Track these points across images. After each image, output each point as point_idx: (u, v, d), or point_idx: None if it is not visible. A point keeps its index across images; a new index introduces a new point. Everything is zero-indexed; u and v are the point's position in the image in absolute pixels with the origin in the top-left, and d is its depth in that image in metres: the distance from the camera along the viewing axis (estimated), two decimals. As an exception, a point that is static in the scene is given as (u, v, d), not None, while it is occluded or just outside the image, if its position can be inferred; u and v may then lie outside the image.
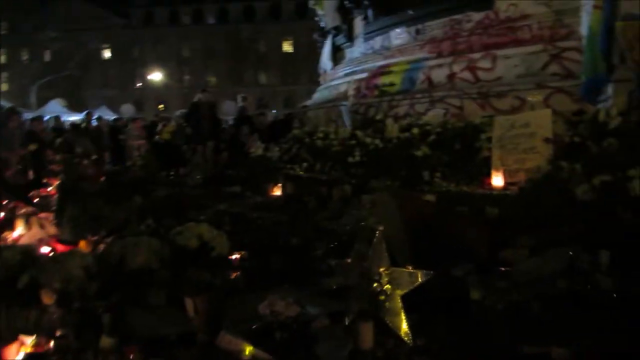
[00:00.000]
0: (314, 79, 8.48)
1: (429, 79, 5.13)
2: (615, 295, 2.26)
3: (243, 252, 3.18)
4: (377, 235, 2.29)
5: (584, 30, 3.81)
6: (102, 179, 5.67)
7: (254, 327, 2.30)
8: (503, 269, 2.63)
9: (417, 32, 5.57)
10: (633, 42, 3.51)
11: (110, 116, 15.98)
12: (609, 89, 3.62)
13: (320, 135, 5.49)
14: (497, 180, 3.75)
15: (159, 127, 9.72)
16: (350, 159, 4.64)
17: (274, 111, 19.86)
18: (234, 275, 2.95)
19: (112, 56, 42.43)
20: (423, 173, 4.04)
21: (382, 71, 5.76)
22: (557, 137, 3.64)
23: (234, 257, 3.10)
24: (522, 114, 4.02)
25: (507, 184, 3.69)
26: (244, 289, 2.81)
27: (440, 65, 5.08)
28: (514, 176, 3.73)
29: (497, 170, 3.80)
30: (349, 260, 2.38)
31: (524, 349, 2.10)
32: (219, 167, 7.12)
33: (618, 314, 2.13)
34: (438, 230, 2.78)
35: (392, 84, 5.47)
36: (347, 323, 2.23)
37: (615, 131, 3.35)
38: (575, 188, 3.08)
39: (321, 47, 8.00)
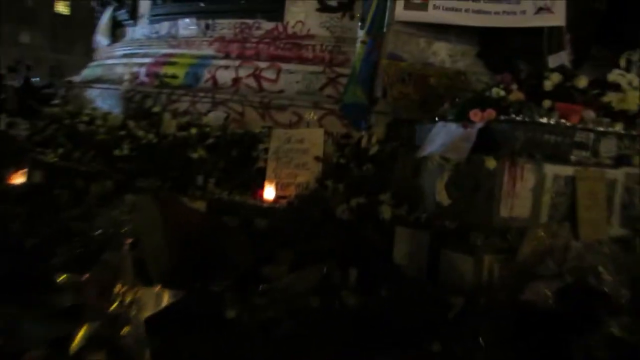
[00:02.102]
0: (91, 52, 7.56)
1: (214, 79, 5.07)
2: (358, 311, 2.45)
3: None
4: (126, 245, 2.02)
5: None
6: None
7: None
8: (264, 284, 2.65)
9: (207, 27, 5.44)
10: (393, 80, 4.01)
11: None
12: (373, 118, 3.96)
13: (85, 118, 5.04)
14: (269, 192, 3.83)
15: None
16: (117, 152, 4.31)
17: (36, 78, 16.99)
18: None
19: None
20: (197, 177, 3.96)
21: (166, 60, 5.49)
22: (327, 157, 3.89)
23: None
24: (298, 130, 4.22)
25: (278, 197, 3.79)
26: None
27: (226, 67, 5.05)
28: (286, 190, 3.85)
29: (270, 182, 3.89)
30: (87, 275, 2.14)
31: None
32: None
33: (360, 330, 2.29)
34: (203, 241, 2.68)
35: (174, 76, 5.26)
36: (71, 353, 1.94)
37: (372, 158, 3.73)
38: (336, 207, 3.38)
39: (99, 18, 7.15)
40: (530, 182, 2.90)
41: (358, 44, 4.14)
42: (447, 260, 2.83)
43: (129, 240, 2.24)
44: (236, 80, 4.97)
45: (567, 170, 2.98)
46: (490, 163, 2.86)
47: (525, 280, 2.62)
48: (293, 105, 4.56)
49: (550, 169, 2.94)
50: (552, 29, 3.95)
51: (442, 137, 3.13)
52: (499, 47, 4.09)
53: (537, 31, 3.94)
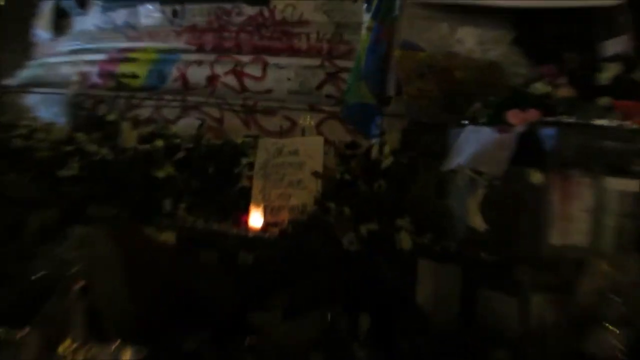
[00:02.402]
0: (30, 48, 7.63)
1: (184, 78, 5.12)
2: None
3: None
4: (74, 291, 2.11)
5: (362, 50, 4.23)
6: None
7: None
8: (251, 337, 2.68)
9: (175, 14, 5.49)
10: (409, 74, 4.01)
11: None
12: (384, 123, 3.98)
13: (23, 131, 4.97)
14: (256, 218, 3.78)
15: None
16: (62, 172, 4.28)
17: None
18: None
19: None
20: (164, 201, 3.92)
21: (124, 57, 5.54)
22: (328, 172, 3.86)
23: None
24: (292, 139, 4.21)
25: (267, 224, 3.76)
26: None
27: (200, 63, 5.10)
28: (277, 215, 3.80)
29: (257, 205, 3.84)
30: (27, 329, 2.17)
31: None
32: None
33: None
34: (173, 283, 2.74)
35: (134, 76, 5.31)
36: None
37: (385, 172, 3.69)
38: (341, 235, 3.36)
39: (40, 7, 7.22)
40: (587, 201, 2.89)
41: (363, 31, 4.17)
42: (485, 301, 2.84)
43: (79, 285, 2.21)
44: (212, 79, 5.00)
45: (634, 185, 2.94)
46: (535, 177, 2.86)
47: (585, 327, 2.63)
48: (284, 109, 4.61)
49: (613, 184, 2.91)
50: (608, 8, 3.93)
51: (473, 145, 3.14)
52: (540, 31, 4.11)
53: (588, 12, 3.95)
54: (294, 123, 4.54)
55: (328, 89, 4.69)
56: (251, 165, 4.02)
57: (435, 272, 2.97)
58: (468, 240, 3.05)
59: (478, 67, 4.15)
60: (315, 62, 4.77)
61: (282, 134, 4.49)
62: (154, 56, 5.30)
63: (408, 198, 3.45)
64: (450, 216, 3.18)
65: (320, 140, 4.06)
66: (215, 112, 4.82)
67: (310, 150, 3.97)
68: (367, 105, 4.03)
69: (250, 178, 3.98)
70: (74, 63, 5.89)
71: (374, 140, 3.93)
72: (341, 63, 4.67)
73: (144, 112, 4.98)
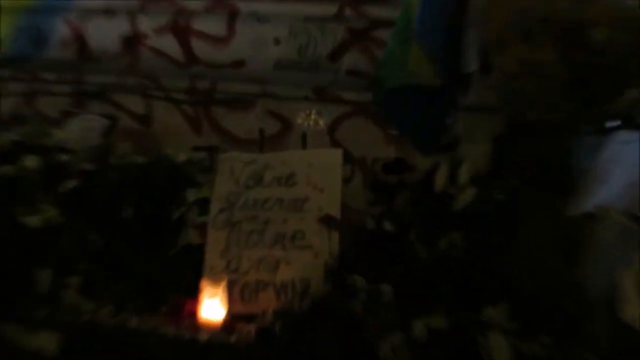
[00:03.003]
0: None
1: (78, 40, 5.08)
2: None
3: None
4: None
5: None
6: None
7: None
8: None
9: None
10: (508, 34, 3.77)
11: None
12: (459, 124, 3.93)
13: None
14: (213, 307, 3.62)
15: None
16: None
17: None
18: None
19: None
20: (39, 275, 3.74)
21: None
22: (352, 216, 3.82)
23: None
24: (282, 154, 4.12)
25: (235, 318, 3.62)
26: None
27: (109, 13, 5.02)
28: (254, 300, 3.70)
29: (213, 280, 3.67)
30: None
31: None
32: None
33: None
34: None
35: None
36: None
37: (462, 217, 3.60)
38: (378, 340, 3.25)
39: None
40: None
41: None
42: None
43: None
44: (132, 42, 4.94)
45: None
46: None
47: None
48: (267, 97, 4.59)
49: None
50: None
51: (629, 167, 3.20)
52: None
53: None
54: (286, 123, 4.48)
55: (350, 59, 4.54)
56: (204, 204, 3.91)
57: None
58: (618, 348, 3.09)
59: (633, 22, 3.94)
60: (328, 9, 4.64)
61: (263, 143, 4.32)
62: (23, 1, 5.24)
63: (505, 268, 3.37)
64: (585, 300, 3.19)
65: (336, 155, 3.97)
66: (137, 104, 4.76)
67: (317, 175, 3.89)
68: (424, 92, 3.92)
69: (201, 228, 3.88)
70: None
71: (439, 158, 3.83)
72: (376, 12, 4.56)
73: (5, 104, 4.90)
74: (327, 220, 3.73)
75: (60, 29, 5.11)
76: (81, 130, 4.57)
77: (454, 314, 3.27)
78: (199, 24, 4.88)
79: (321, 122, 4.38)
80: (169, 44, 4.91)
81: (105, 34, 5.05)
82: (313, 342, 3.29)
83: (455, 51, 3.91)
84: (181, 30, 4.89)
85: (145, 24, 4.98)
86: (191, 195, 3.99)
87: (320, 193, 3.82)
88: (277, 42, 4.71)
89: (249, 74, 4.72)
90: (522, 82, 3.70)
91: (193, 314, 3.62)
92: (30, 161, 4.16)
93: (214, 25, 4.84)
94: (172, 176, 4.10)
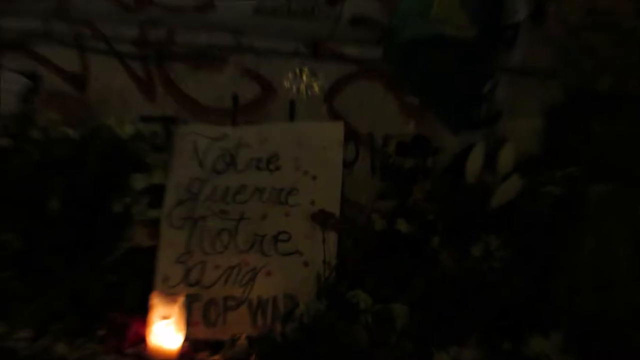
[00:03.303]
0: None
1: None
2: None
3: None
4: None
5: None
6: None
7: None
8: None
9: None
10: None
11: None
12: (499, 92, 4.04)
13: None
14: (166, 331, 3.56)
15: None
16: None
17: None
18: None
19: None
20: None
21: None
22: (353, 212, 3.90)
23: None
24: (262, 127, 4.19)
25: (197, 345, 3.62)
26: None
27: None
28: (222, 323, 3.72)
29: (166, 296, 3.65)
30: None
31: None
32: None
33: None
34: None
35: None
36: None
37: (503, 216, 3.64)
38: None
39: None
40: None
41: None
42: None
43: None
44: None
45: None
46: None
47: None
48: (242, 51, 4.57)
49: None
50: None
51: None
52: None
53: None
54: (268, 87, 4.49)
55: (355, 3, 4.53)
56: (155, 193, 3.97)
57: None
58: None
59: None
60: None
61: (237, 113, 4.43)
62: None
63: (559, 285, 3.49)
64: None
65: (335, 130, 4.07)
66: (68, 59, 4.66)
67: (309, 157, 3.99)
68: (453, 47, 3.96)
69: (152, 226, 3.94)
70: None
71: (473, 137, 3.91)
72: None
73: None
74: (321, 218, 3.78)
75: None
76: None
77: (490, 345, 3.33)
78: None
79: (316, 86, 4.40)
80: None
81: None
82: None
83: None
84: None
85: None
86: (139, 181, 4.03)
87: (312, 181, 3.87)
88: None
89: (219, 20, 4.67)
90: (588, 37, 3.89)
91: (139, 339, 3.60)
92: None
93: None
94: (113, 156, 4.14)
